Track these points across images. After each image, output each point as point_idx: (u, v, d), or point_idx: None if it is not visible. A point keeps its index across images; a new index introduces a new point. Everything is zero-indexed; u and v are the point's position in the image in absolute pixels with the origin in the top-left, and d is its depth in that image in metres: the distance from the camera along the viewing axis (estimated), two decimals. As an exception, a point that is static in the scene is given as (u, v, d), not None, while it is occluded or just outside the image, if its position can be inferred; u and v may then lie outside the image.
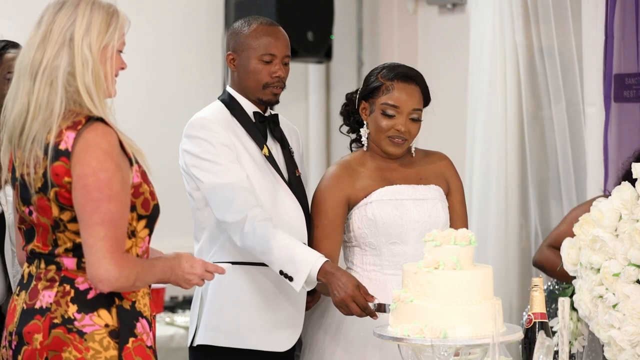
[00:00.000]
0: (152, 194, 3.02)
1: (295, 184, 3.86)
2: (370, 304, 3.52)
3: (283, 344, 3.78)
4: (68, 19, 2.93)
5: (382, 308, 3.52)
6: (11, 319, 3.00)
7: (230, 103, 3.84)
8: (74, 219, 2.92)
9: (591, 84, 4.76)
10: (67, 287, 2.94)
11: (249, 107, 3.84)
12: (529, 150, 5.31)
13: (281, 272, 3.62)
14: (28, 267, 3.03)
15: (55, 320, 2.91)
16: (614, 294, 3.68)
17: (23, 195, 2.97)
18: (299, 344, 3.89)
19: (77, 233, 2.93)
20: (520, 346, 3.37)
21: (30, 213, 2.97)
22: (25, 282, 3.02)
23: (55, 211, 2.92)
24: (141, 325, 2.99)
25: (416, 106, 3.79)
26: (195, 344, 3.83)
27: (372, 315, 3.52)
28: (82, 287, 2.94)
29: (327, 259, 3.62)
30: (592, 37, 4.87)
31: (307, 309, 3.84)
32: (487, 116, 5.38)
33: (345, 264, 3.89)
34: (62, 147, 2.89)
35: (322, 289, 3.74)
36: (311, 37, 6.24)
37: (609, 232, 3.74)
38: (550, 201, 5.24)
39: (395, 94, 3.78)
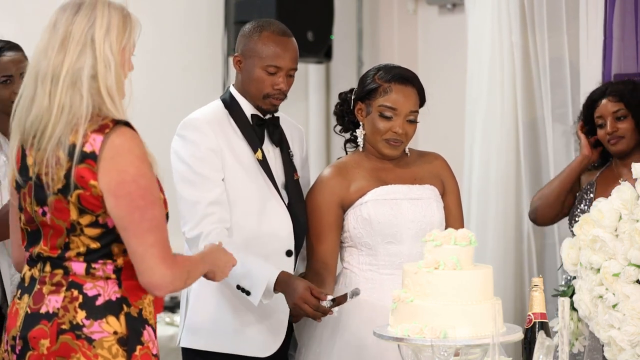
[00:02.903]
0: (165, 202, 3.00)
1: (292, 188, 3.84)
2: (324, 302, 3.54)
3: (266, 350, 3.77)
4: (88, 21, 2.91)
5: (341, 300, 3.54)
6: (13, 322, 2.96)
7: (230, 103, 3.84)
8: (93, 224, 2.88)
9: (590, 84, 4.76)
10: (75, 293, 2.90)
11: (249, 109, 3.83)
12: (527, 150, 5.30)
13: (238, 287, 3.62)
14: (30, 269, 2.99)
15: (64, 326, 2.88)
16: (614, 294, 3.68)
17: (38, 195, 2.92)
18: (293, 344, 3.89)
19: (93, 238, 2.89)
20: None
21: (44, 214, 2.92)
22: (27, 285, 2.98)
23: (73, 214, 2.88)
24: (147, 333, 2.96)
25: (413, 108, 3.79)
26: (180, 346, 3.85)
27: (327, 312, 3.54)
28: (90, 293, 2.90)
29: (282, 270, 3.64)
30: (591, 37, 4.87)
31: (294, 321, 3.83)
32: (486, 117, 5.38)
33: (342, 264, 3.89)
34: (87, 149, 2.85)
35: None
36: (311, 37, 6.24)
37: (609, 232, 3.74)
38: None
39: (393, 96, 3.77)
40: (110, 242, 2.91)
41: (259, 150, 3.79)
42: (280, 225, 3.78)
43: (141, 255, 2.86)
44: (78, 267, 2.91)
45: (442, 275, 3.21)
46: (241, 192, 3.73)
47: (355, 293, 3.53)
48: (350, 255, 3.86)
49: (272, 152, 3.84)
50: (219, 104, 3.85)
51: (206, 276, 3.13)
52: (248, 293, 3.63)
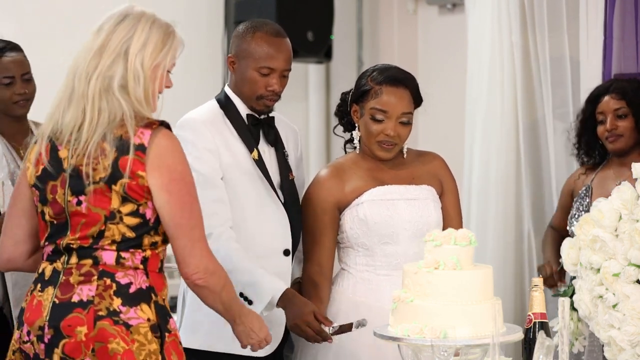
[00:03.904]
0: None
1: (288, 188, 3.84)
2: (328, 328, 3.54)
3: (262, 350, 3.76)
4: (127, 32, 3.05)
5: (345, 329, 3.55)
6: (38, 314, 3.02)
7: (225, 103, 3.83)
8: (133, 213, 3.02)
9: (591, 83, 4.76)
10: (108, 281, 3.01)
11: (244, 110, 3.82)
12: (527, 150, 5.30)
13: (241, 295, 3.61)
14: (51, 263, 3.06)
15: (100, 313, 2.98)
16: (614, 294, 3.68)
17: (74, 185, 3.02)
18: (289, 345, 3.88)
19: (130, 227, 3.02)
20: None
21: (79, 203, 3.02)
22: (47, 278, 3.05)
23: (115, 202, 3.00)
24: (172, 322, 3.11)
25: (405, 110, 3.77)
26: None
27: (327, 339, 3.55)
28: (122, 281, 3.02)
29: (287, 287, 3.65)
30: (591, 37, 4.87)
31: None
32: (486, 117, 5.37)
33: (340, 264, 3.89)
34: (136, 141, 2.98)
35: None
36: (311, 37, 6.23)
37: (609, 232, 3.74)
38: (546, 202, 5.24)
39: (384, 98, 3.76)
40: (143, 233, 3.04)
41: (255, 150, 3.79)
42: (277, 225, 3.78)
43: (190, 249, 3.04)
44: (108, 256, 3.01)
45: (442, 275, 3.21)
46: (238, 192, 3.73)
47: (362, 324, 3.52)
48: (347, 256, 3.85)
49: (267, 152, 3.84)
50: (214, 104, 3.85)
51: (233, 329, 3.27)
52: (250, 302, 3.62)
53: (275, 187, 3.81)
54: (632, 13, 4.74)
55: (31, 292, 3.08)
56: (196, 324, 3.77)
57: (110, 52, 3.03)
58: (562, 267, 4.44)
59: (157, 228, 3.06)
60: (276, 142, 3.87)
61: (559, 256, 4.58)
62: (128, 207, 3.01)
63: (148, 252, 3.05)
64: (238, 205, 3.74)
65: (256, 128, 3.82)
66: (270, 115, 3.87)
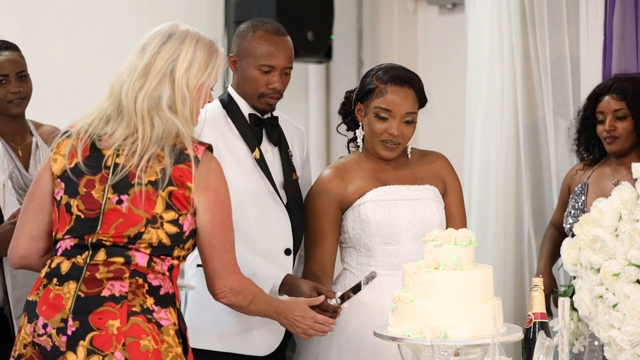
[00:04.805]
0: None
1: (291, 188, 3.84)
2: (332, 300, 3.53)
3: (263, 349, 3.77)
4: (173, 53, 3.09)
5: (350, 293, 3.52)
6: (57, 307, 3.02)
7: (228, 103, 3.84)
8: (174, 222, 3.06)
9: (591, 83, 4.76)
10: (140, 280, 3.05)
11: (246, 109, 3.83)
12: (528, 150, 5.30)
13: None
14: (68, 258, 3.07)
15: (134, 309, 3.01)
16: (614, 294, 3.69)
17: (118, 184, 3.05)
18: (292, 346, 3.88)
19: (168, 235, 3.06)
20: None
21: (120, 202, 3.05)
22: (65, 273, 3.06)
23: (159, 207, 3.05)
24: (187, 332, 3.15)
25: (410, 109, 3.77)
26: None
27: (337, 310, 3.52)
28: (154, 283, 3.07)
29: (287, 274, 3.66)
30: (591, 37, 4.87)
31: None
32: (486, 117, 5.37)
33: (342, 264, 3.89)
34: (191, 153, 3.04)
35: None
36: (311, 37, 6.23)
37: (609, 232, 3.75)
38: (547, 202, 5.24)
39: (389, 97, 3.76)
40: (177, 244, 3.09)
41: (257, 149, 3.79)
42: (278, 224, 3.78)
43: (220, 271, 3.17)
44: (141, 258, 3.05)
45: (442, 275, 3.21)
46: (238, 191, 3.73)
47: (371, 277, 3.50)
48: (349, 256, 3.85)
49: (270, 152, 3.84)
50: (216, 104, 3.86)
51: (281, 324, 3.43)
52: None
53: (278, 187, 3.81)
54: (632, 13, 4.74)
55: (44, 286, 3.07)
56: (197, 325, 3.77)
57: (156, 73, 3.07)
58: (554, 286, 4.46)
59: (186, 242, 3.11)
60: (280, 141, 3.87)
61: (555, 256, 4.60)
62: (170, 215, 3.06)
63: (175, 262, 3.12)
64: (238, 204, 3.73)
65: (259, 127, 3.83)
66: (274, 114, 3.87)
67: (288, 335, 3.84)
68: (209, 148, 3.12)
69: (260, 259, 3.67)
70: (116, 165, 3.05)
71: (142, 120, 3.04)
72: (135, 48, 3.13)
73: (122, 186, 3.05)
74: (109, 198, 3.05)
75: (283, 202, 3.80)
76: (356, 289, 3.52)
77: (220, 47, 3.17)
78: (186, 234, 3.09)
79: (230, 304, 3.23)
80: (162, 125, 3.04)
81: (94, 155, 3.08)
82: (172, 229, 3.06)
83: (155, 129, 3.04)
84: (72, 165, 3.08)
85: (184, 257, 3.16)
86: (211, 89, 3.18)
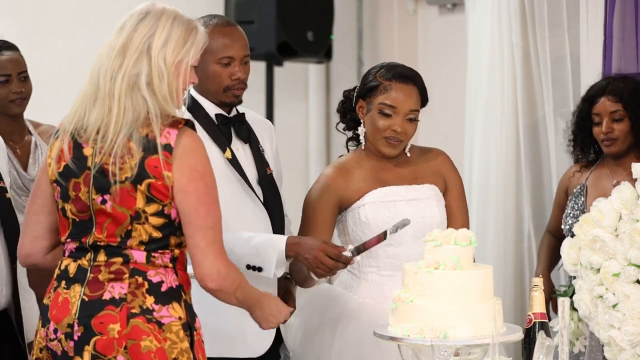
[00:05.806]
0: None
1: (266, 184, 3.82)
2: (346, 252, 3.52)
3: (255, 350, 3.75)
4: (149, 30, 3.07)
5: (362, 248, 3.52)
6: (65, 311, 3.04)
7: (192, 107, 3.77)
8: (158, 213, 3.03)
9: (591, 83, 4.75)
10: (140, 279, 3.03)
11: (212, 109, 3.78)
12: (528, 150, 5.31)
13: (248, 267, 3.61)
14: (75, 260, 3.08)
15: (134, 310, 3.01)
16: (614, 294, 3.69)
17: (98, 183, 3.04)
18: (285, 345, 3.87)
19: (156, 227, 3.04)
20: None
21: (104, 202, 3.04)
22: (72, 275, 3.07)
23: (140, 202, 3.02)
24: (198, 321, 3.12)
25: (413, 107, 3.78)
26: None
27: (348, 261, 3.52)
28: (154, 279, 3.05)
29: (288, 236, 3.64)
30: (591, 37, 4.87)
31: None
32: (486, 116, 5.38)
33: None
34: (163, 141, 3.00)
35: (297, 277, 3.74)
36: (311, 37, 6.23)
37: (609, 232, 3.75)
38: (547, 202, 5.24)
39: (393, 94, 3.76)
40: (170, 233, 3.06)
41: (228, 149, 3.76)
42: (256, 223, 3.75)
43: (202, 249, 3.04)
44: (139, 255, 3.05)
45: (442, 275, 3.21)
46: None
47: (403, 224, 3.48)
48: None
49: (241, 149, 3.81)
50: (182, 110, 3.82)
51: (251, 315, 3.26)
52: (260, 269, 3.61)
53: (253, 184, 3.78)
54: (632, 13, 4.74)
55: (55, 289, 3.09)
56: None
57: (133, 51, 3.04)
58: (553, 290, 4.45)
59: (181, 228, 3.08)
60: (250, 138, 3.84)
61: (553, 263, 4.61)
62: (153, 208, 3.03)
63: (176, 252, 3.08)
64: None
65: (226, 127, 3.79)
66: (240, 112, 3.85)
67: (280, 336, 3.82)
68: (187, 124, 3.05)
69: (252, 234, 3.63)
70: (96, 164, 3.04)
71: (119, 101, 3.01)
72: (114, 29, 3.11)
73: (102, 186, 3.03)
74: (94, 199, 3.05)
75: (260, 199, 3.79)
76: (380, 238, 3.51)
77: (200, 25, 3.14)
78: (177, 221, 3.06)
79: (219, 288, 3.08)
80: (132, 108, 3.01)
81: (77, 155, 3.07)
82: (158, 221, 3.03)
83: (127, 113, 3.01)
84: (61, 169, 3.09)
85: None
86: (195, 67, 3.13)
